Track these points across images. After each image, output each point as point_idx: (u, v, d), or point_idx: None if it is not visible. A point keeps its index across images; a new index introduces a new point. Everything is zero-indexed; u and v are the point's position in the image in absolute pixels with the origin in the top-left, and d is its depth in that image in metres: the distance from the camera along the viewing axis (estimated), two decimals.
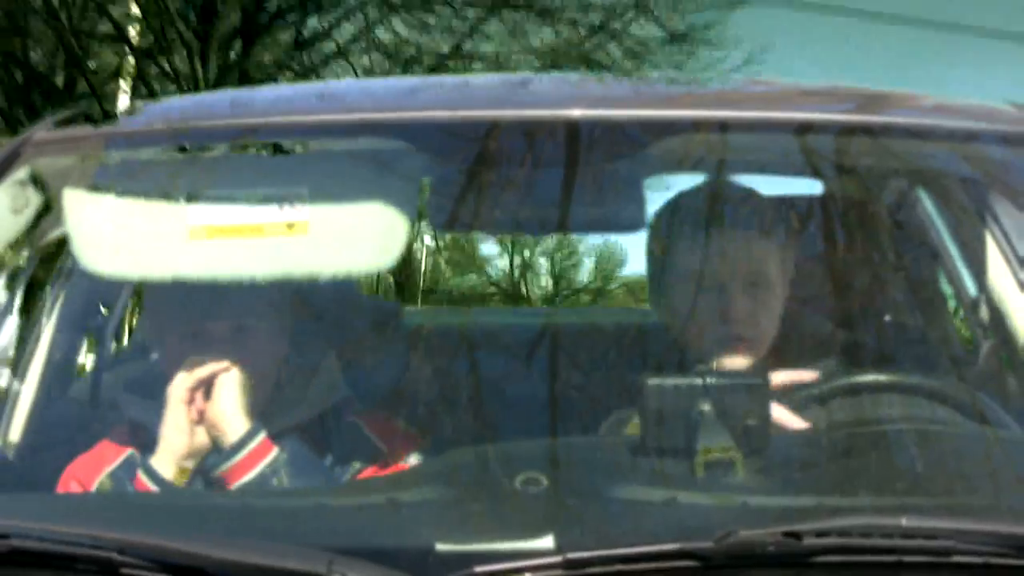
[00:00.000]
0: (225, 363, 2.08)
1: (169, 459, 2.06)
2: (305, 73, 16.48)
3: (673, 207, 2.33)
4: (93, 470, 2.15)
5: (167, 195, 2.12)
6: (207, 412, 2.07)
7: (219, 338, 2.12)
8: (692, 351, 2.22)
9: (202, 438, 2.07)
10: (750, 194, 2.29)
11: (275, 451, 2.06)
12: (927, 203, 2.82)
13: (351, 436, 2.19)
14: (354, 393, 2.25)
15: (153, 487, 2.04)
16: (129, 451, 2.16)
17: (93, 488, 2.11)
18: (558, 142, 2.19)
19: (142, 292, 2.70)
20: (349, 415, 2.21)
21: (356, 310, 2.45)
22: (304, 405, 2.19)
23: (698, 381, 1.79)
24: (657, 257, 2.32)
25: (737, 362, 2.20)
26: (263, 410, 2.13)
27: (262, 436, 2.06)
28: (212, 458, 2.07)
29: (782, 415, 1.99)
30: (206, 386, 2.07)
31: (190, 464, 2.07)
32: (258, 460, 2.05)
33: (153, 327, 2.28)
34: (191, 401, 2.07)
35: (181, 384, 2.08)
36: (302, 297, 2.23)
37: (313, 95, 2.54)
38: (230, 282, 2.06)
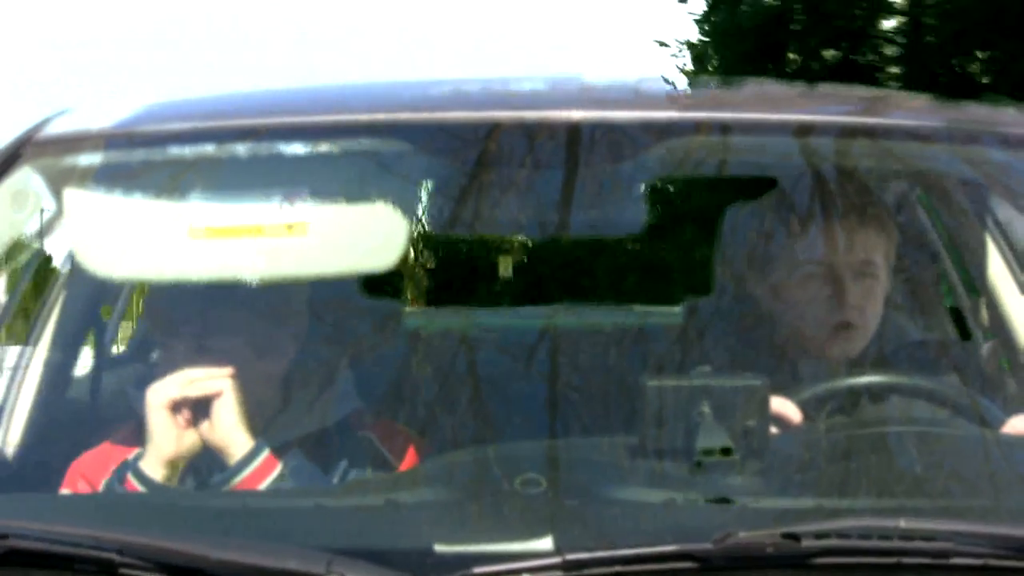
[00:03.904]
0: (220, 377, 2.06)
1: (157, 462, 2.05)
2: None
3: (772, 200, 2.35)
4: (100, 468, 2.14)
5: (167, 195, 2.12)
6: (209, 430, 2.05)
7: (217, 339, 2.11)
8: (800, 338, 2.26)
9: (190, 441, 2.06)
10: (860, 183, 2.32)
11: (279, 467, 2.05)
12: (927, 205, 2.82)
13: (362, 448, 2.18)
14: (357, 395, 2.25)
15: (143, 489, 2.04)
16: (136, 450, 2.16)
17: (102, 485, 2.11)
18: (559, 144, 2.19)
19: (142, 292, 2.70)
20: (360, 427, 2.20)
21: (357, 311, 2.45)
22: (312, 414, 2.18)
23: (697, 382, 1.80)
24: (753, 251, 2.35)
25: (845, 349, 2.25)
26: (268, 419, 2.13)
27: (266, 452, 2.05)
28: (217, 476, 2.06)
29: (784, 407, 2.00)
30: (196, 397, 2.06)
31: (179, 466, 2.06)
32: (263, 476, 2.04)
33: (151, 328, 2.28)
34: (176, 408, 2.05)
35: (162, 391, 2.06)
36: (302, 298, 2.23)
37: (314, 96, 2.53)
38: (229, 283, 2.06)
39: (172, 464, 2.05)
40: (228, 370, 2.07)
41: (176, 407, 2.05)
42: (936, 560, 1.51)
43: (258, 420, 2.09)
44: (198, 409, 2.05)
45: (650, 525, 1.64)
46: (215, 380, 2.06)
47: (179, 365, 2.09)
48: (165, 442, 2.04)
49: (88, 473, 2.14)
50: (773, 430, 1.89)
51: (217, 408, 2.05)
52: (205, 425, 2.05)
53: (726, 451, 1.72)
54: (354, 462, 2.16)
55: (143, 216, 2.10)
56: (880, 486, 1.81)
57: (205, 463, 2.07)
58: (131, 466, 2.06)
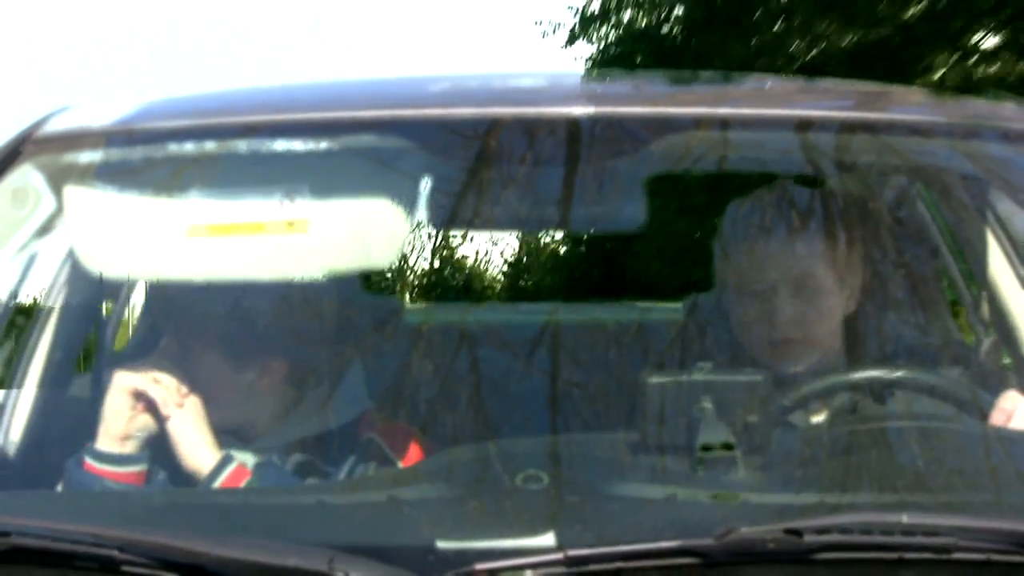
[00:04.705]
0: (181, 392, 2.08)
1: (111, 440, 2.07)
2: None
3: (734, 212, 2.36)
4: None
5: (167, 193, 2.12)
6: (176, 446, 2.07)
7: (216, 338, 2.11)
8: (747, 352, 2.28)
9: (141, 423, 2.08)
10: (803, 196, 2.32)
11: (249, 478, 2.06)
12: (928, 200, 2.82)
13: (367, 449, 2.18)
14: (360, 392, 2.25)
15: (100, 467, 2.06)
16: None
17: (64, 472, 2.12)
18: (560, 139, 2.19)
19: (143, 290, 2.70)
20: (366, 429, 2.20)
21: (356, 308, 2.45)
22: (321, 415, 2.18)
23: (698, 378, 1.80)
24: (720, 261, 2.38)
25: (790, 363, 2.24)
26: (269, 417, 2.13)
27: (235, 464, 2.06)
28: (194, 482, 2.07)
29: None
30: (159, 398, 2.07)
31: (131, 446, 2.07)
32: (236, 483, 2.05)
33: (153, 325, 2.28)
34: (136, 395, 2.07)
35: (128, 378, 2.08)
36: (302, 295, 2.22)
37: (314, 93, 2.53)
38: (230, 280, 2.06)
39: (125, 443, 2.07)
40: (225, 357, 2.07)
41: (137, 394, 2.06)
42: (938, 555, 1.51)
43: (255, 424, 2.10)
44: (158, 405, 2.07)
45: (652, 521, 1.64)
46: (178, 393, 2.08)
47: (171, 360, 2.10)
48: (119, 421, 2.06)
49: None
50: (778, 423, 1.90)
51: (180, 423, 2.07)
52: (175, 443, 2.07)
53: (727, 447, 1.72)
54: (360, 462, 2.16)
55: (143, 213, 2.10)
56: (882, 482, 1.81)
57: (177, 466, 2.08)
58: (87, 449, 2.07)
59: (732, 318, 2.31)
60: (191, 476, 2.06)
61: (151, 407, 2.07)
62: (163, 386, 2.07)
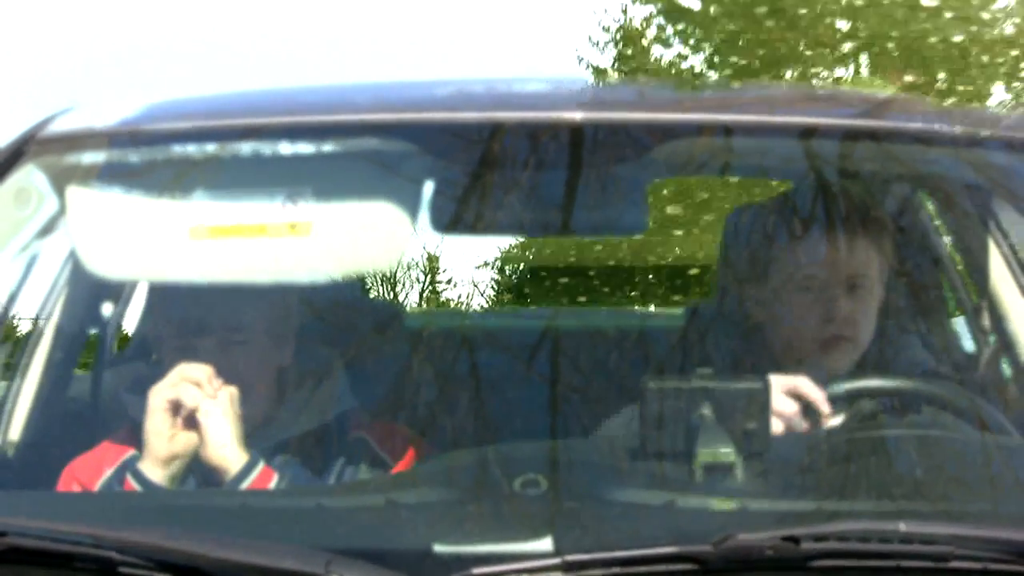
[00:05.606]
0: (214, 384, 2.06)
1: (155, 463, 2.05)
2: None
3: (770, 208, 2.35)
4: (95, 469, 2.15)
5: (170, 194, 2.12)
6: (203, 445, 2.05)
7: (217, 341, 2.11)
8: (794, 351, 2.26)
9: (184, 442, 2.06)
10: (857, 192, 2.32)
11: (275, 478, 2.05)
12: (930, 208, 2.82)
13: (357, 449, 2.18)
14: (355, 395, 2.25)
15: (141, 490, 2.03)
16: (131, 451, 2.15)
17: (95, 487, 2.11)
18: (562, 145, 2.19)
19: (144, 291, 2.70)
20: (355, 428, 2.20)
21: (358, 312, 2.45)
22: (308, 415, 2.18)
23: (697, 385, 1.80)
24: (752, 257, 2.35)
25: (838, 361, 2.23)
26: (263, 425, 2.12)
27: (261, 466, 2.05)
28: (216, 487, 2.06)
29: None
30: (193, 402, 2.05)
31: (176, 467, 2.06)
32: (262, 487, 2.04)
33: (153, 327, 2.28)
34: (174, 411, 2.05)
35: (161, 394, 2.06)
36: (303, 299, 2.23)
37: (317, 96, 2.53)
38: (231, 283, 2.06)
39: (170, 465, 2.04)
40: (226, 363, 2.07)
41: (175, 409, 2.05)
42: (936, 564, 1.51)
43: (253, 427, 2.10)
44: (195, 413, 2.05)
45: (650, 527, 1.64)
46: (205, 377, 2.06)
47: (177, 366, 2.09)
48: (162, 443, 2.04)
49: (82, 475, 2.14)
50: (777, 430, 1.89)
51: (207, 422, 2.05)
52: (199, 437, 2.05)
53: (726, 453, 1.72)
54: (350, 463, 2.16)
55: (146, 215, 2.11)
56: (880, 489, 1.81)
57: (204, 471, 2.07)
58: (130, 467, 2.06)
59: (767, 313, 2.29)
60: (218, 476, 2.05)
61: (189, 419, 2.05)
62: (193, 382, 2.05)
